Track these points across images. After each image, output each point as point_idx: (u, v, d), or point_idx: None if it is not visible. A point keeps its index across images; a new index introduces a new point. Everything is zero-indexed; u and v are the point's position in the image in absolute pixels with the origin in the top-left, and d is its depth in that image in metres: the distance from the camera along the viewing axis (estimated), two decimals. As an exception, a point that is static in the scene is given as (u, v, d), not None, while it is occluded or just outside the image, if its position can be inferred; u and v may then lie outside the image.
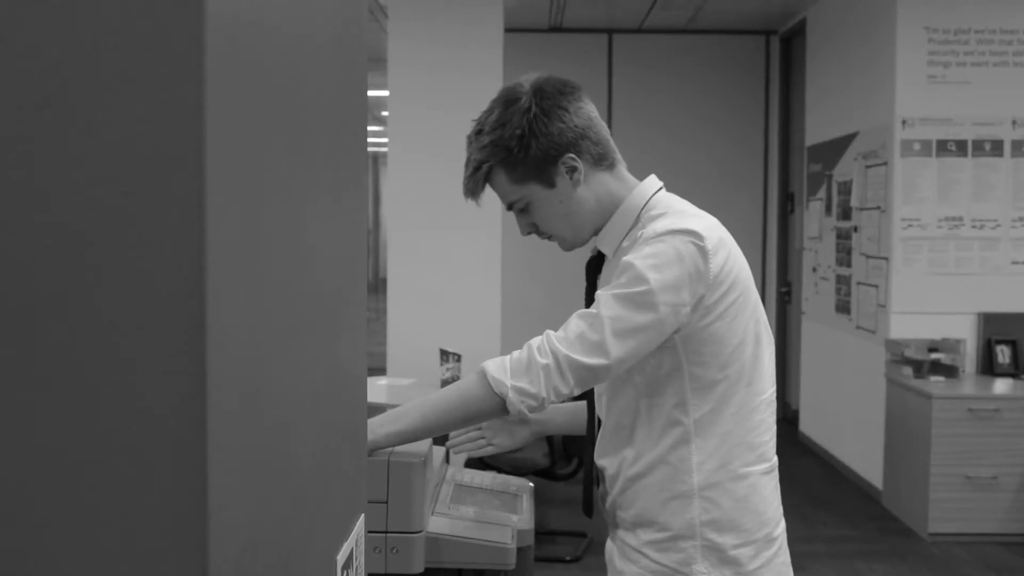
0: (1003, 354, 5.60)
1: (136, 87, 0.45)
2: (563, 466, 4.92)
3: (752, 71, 8.27)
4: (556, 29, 8.14)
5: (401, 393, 4.57)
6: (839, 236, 6.58)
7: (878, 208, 5.91)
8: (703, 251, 1.63)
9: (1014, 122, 5.62)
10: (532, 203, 1.78)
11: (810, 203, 7.16)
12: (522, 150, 1.73)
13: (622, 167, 1.83)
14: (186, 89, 0.45)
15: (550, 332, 1.68)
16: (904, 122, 5.65)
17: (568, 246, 1.85)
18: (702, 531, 1.70)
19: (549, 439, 4.83)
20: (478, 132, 1.77)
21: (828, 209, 6.82)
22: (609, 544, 1.88)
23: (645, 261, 1.62)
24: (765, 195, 8.11)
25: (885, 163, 5.79)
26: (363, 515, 0.89)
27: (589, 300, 1.82)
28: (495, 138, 1.73)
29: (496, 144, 1.73)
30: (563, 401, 1.72)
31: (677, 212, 1.73)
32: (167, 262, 0.45)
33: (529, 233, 1.85)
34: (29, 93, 0.44)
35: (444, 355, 4.94)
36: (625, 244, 1.76)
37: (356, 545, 0.85)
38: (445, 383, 4.78)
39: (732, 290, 1.67)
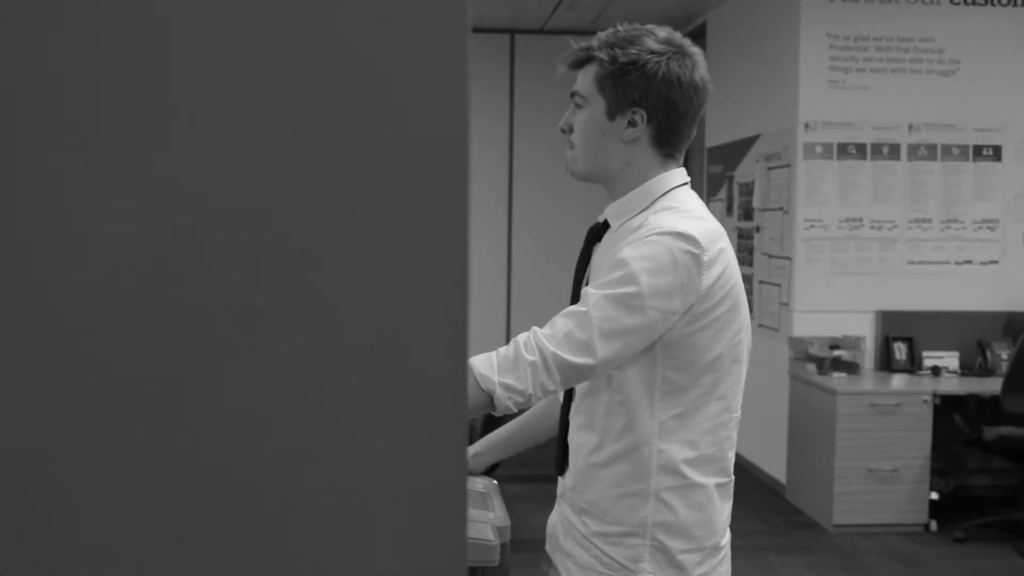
0: (900, 351, 5.80)
1: (409, 95, 0.42)
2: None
3: (652, 73, 8.38)
4: (459, 27, 8.12)
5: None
6: (741, 236, 6.72)
7: (780, 209, 6.06)
8: (698, 261, 1.62)
9: (910, 127, 5.83)
10: (585, 109, 1.77)
11: (711, 203, 7.29)
12: (621, 71, 1.71)
13: (674, 163, 1.80)
14: (455, 97, 0.42)
15: (536, 328, 1.66)
16: (807, 125, 5.80)
17: (571, 163, 1.82)
18: (653, 531, 1.71)
19: (470, 432, 4.80)
20: (633, 37, 1.74)
21: (729, 209, 6.96)
22: (553, 517, 1.88)
23: (640, 263, 1.61)
24: (664, 196, 8.22)
25: (788, 165, 5.94)
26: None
27: (582, 264, 1.81)
28: (628, 49, 1.72)
29: (623, 53, 1.72)
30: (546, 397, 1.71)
31: (685, 211, 1.71)
32: (439, 267, 0.42)
33: (562, 130, 1.82)
34: (305, 99, 0.41)
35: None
36: (634, 224, 1.74)
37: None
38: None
39: (721, 304, 1.67)
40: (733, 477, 1.79)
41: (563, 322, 1.64)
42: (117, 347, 0.42)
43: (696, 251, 1.62)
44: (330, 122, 0.43)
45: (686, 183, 1.80)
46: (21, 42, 0.42)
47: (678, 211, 1.70)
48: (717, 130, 7.19)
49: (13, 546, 0.42)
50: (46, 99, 0.42)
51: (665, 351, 1.67)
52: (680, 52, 1.74)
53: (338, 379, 0.42)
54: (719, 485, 1.76)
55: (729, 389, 1.74)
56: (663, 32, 1.76)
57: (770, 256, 6.21)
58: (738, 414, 1.78)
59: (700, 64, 1.76)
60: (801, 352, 5.75)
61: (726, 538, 1.79)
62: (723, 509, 1.78)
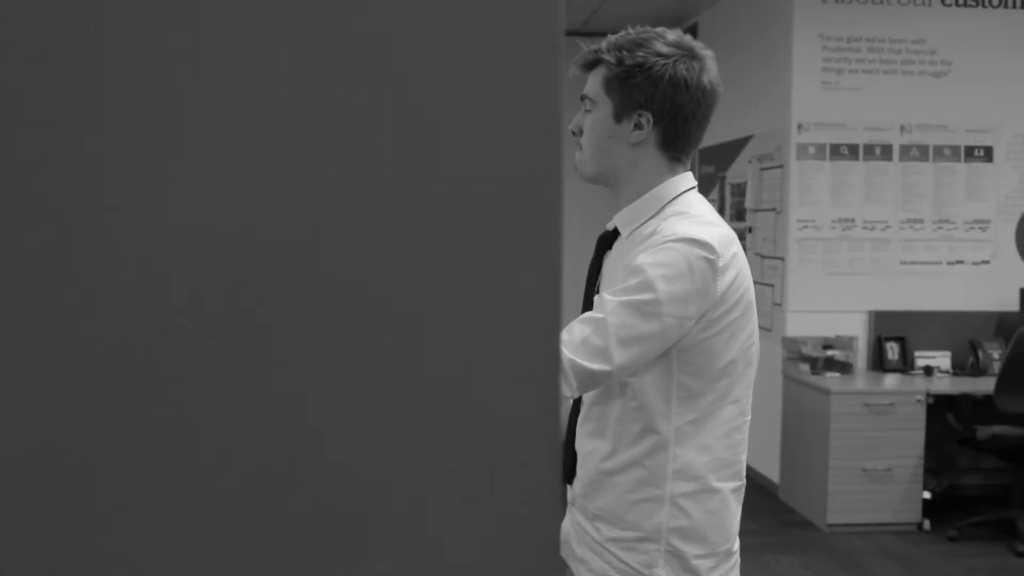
0: (892, 350, 5.82)
1: (508, 100, 0.42)
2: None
3: (643, 74, 8.39)
4: (450, 28, 8.11)
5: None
6: (733, 237, 6.73)
7: (773, 209, 6.07)
8: (714, 267, 1.63)
9: (902, 127, 5.85)
10: (594, 111, 1.78)
11: (702, 204, 7.31)
12: (627, 74, 1.72)
13: (681, 167, 1.80)
14: (549, 97, 0.43)
15: None
16: (800, 126, 5.82)
17: (579, 165, 1.83)
18: (668, 536, 1.70)
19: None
20: (641, 40, 1.74)
21: (721, 210, 6.97)
22: (566, 524, 1.88)
23: (656, 270, 1.61)
24: (655, 196, 8.23)
25: (781, 166, 5.96)
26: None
27: (593, 272, 1.82)
28: (635, 52, 1.72)
29: (630, 56, 1.72)
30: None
31: (696, 216, 1.71)
32: (533, 270, 0.43)
33: (572, 132, 1.83)
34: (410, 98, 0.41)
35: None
36: (646, 231, 1.74)
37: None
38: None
39: (735, 308, 1.68)
40: (745, 481, 1.80)
41: (580, 328, 1.64)
42: (215, 349, 0.43)
43: (712, 257, 1.63)
44: (422, 126, 0.43)
45: (694, 187, 1.81)
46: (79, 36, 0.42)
47: (690, 216, 1.71)
48: (709, 131, 7.17)
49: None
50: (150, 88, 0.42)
51: (681, 356, 1.67)
52: (689, 55, 1.74)
53: (434, 384, 0.43)
54: (734, 490, 1.76)
55: (743, 392, 1.74)
56: (672, 35, 1.77)
57: (763, 256, 6.23)
58: (750, 417, 1.78)
59: (709, 67, 1.77)
60: (794, 352, 5.77)
61: (737, 543, 1.80)
62: (736, 514, 1.78)
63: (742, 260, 1.71)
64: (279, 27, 0.42)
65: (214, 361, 0.42)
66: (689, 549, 1.71)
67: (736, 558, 1.80)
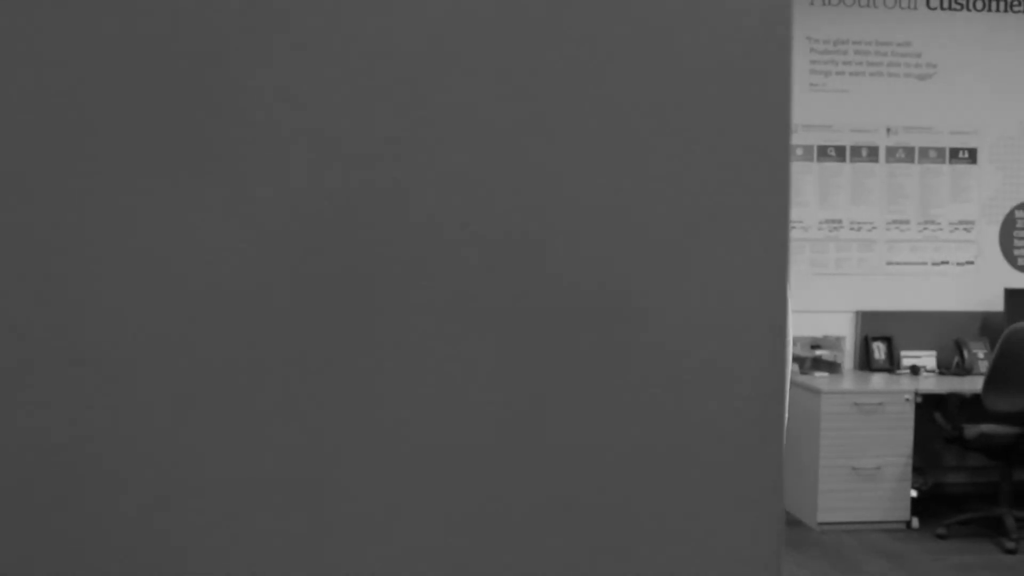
0: (879, 350, 5.88)
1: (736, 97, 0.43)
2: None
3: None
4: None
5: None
6: (719, 237, 6.77)
7: (761, 210, 6.11)
8: None
9: (888, 130, 5.91)
10: None
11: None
12: None
13: None
14: (779, 92, 0.43)
15: None
16: (787, 128, 5.86)
17: None
18: None
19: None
20: None
21: (706, 211, 7.01)
22: None
23: None
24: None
25: (768, 167, 6.00)
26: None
27: None
28: None
29: None
30: None
31: None
32: (761, 268, 0.43)
33: None
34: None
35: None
36: None
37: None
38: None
39: None
40: None
41: None
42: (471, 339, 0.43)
43: None
44: (652, 119, 0.43)
45: None
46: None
47: None
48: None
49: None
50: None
51: None
52: None
53: (660, 380, 0.43)
54: None
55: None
56: None
57: (750, 257, 6.26)
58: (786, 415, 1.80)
59: None
60: (783, 352, 5.80)
61: None
62: None
63: None
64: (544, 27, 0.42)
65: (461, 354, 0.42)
66: None
67: None
